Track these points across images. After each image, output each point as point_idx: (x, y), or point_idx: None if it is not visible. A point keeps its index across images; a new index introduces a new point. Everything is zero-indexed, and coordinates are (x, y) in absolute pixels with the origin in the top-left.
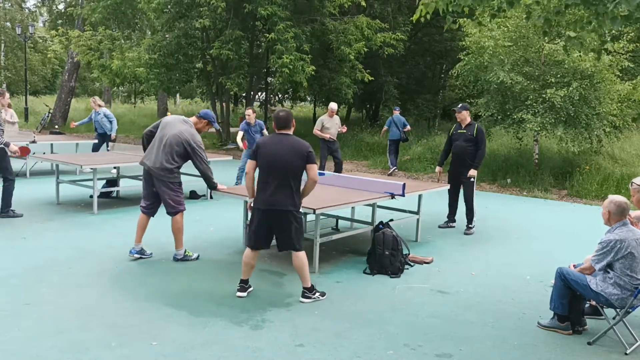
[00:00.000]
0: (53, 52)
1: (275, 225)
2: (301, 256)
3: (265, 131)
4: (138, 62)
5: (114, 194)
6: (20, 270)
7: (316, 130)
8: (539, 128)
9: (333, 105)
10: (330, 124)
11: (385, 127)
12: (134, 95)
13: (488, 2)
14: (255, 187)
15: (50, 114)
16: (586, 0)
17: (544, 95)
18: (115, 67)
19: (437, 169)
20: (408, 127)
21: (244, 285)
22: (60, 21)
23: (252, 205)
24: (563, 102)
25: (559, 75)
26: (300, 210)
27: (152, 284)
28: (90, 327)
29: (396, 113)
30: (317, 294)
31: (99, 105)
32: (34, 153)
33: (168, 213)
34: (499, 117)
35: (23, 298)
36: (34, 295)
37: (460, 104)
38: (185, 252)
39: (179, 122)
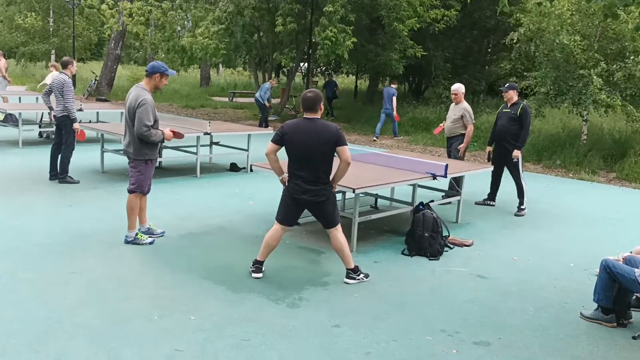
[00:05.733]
0: (109, 29)
1: (309, 210)
2: (339, 237)
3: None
4: (207, 34)
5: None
6: (66, 239)
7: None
8: (607, 105)
9: (459, 87)
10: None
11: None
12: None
13: None
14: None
15: (96, 81)
16: None
17: (613, 66)
18: (188, 46)
19: (487, 148)
20: (337, 88)
21: (259, 266)
22: None
23: (284, 180)
24: None
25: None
26: (334, 190)
27: (192, 256)
28: (131, 297)
29: (330, 79)
30: (362, 275)
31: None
32: (80, 121)
33: (128, 190)
34: (554, 95)
35: (69, 266)
36: (79, 264)
37: (507, 83)
38: (136, 234)
39: (132, 93)
